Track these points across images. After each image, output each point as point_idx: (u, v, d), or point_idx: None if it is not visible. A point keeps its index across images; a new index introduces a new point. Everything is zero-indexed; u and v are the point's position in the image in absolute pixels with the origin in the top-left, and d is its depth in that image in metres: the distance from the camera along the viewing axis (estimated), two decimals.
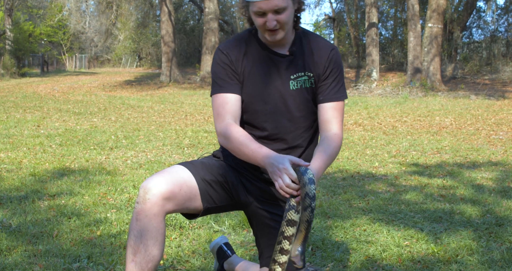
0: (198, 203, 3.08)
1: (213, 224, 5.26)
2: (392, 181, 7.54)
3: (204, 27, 32.41)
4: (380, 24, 38.96)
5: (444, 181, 7.50)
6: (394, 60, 39.39)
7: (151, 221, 2.92)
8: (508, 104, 20.66)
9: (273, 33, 3.00)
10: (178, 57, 37.53)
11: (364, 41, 35.67)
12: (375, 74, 28.70)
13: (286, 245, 2.82)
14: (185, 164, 3.12)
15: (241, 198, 3.24)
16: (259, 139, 3.15)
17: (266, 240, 3.27)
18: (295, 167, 2.74)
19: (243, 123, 3.21)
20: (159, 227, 2.95)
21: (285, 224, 2.79)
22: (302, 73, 3.14)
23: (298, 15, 3.10)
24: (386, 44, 41.74)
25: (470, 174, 8.02)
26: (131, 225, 2.95)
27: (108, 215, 5.51)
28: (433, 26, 26.35)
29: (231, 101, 3.09)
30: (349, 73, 35.73)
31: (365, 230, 5.18)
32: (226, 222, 5.32)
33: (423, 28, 28.19)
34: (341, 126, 3.18)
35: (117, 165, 8.38)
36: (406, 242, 4.80)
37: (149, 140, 11.39)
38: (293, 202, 2.76)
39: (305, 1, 3.09)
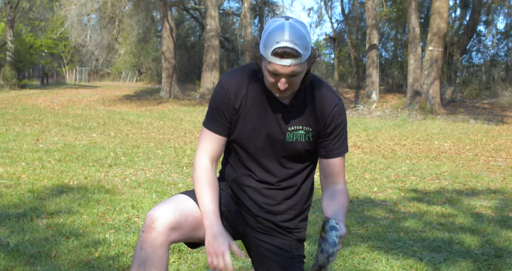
0: (202, 233, 3.07)
1: None
2: (391, 207, 7.52)
3: (205, 44, 32.49)
4: (380, 45, 39.09)
5: (443, 208, 7.49)
6: (394, 81, 39.45)
7: (156, 250, 2.90)
8: (507, 130, 20.67)
9: (282, 92, 2.93)
10: (178, 73, 37.62)
11: (364, 62, 35.75)
12: (374, 96, 28.74)
13: None
14: (189, 193, 3.11)
15: (240, 228, 3.23)
16: (253, 173, 3.17)
17: (264, 269, 3.26)
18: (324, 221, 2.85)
19: (234, 160, 3.22)
20: (163, 256, 2.93)
21: None
22: (300, 127, 3.07)
23: (310, 68, 2.98)
24: (386, 66, 41.84)
25: (469, 202, 8.01)
26: (135, 254, 2.93)
27: (106, 235, 5.49)
28: (434, 50, 26.43)
29: (215, 141, 3.11)
30: (349, 94, 35.77)
31: (364, 258, 5.16)
32: None
33: (423, 50, 28.28)
34: (345, 178, 3.19)
35: (116, 183, 8.37)
36: None
37: (148, 157, 11.37)
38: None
39: (317, 57, 2.97)
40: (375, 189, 8.86)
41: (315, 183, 3.40)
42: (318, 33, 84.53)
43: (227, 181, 3.25)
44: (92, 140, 14.06)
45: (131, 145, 13.39)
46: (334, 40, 45.49)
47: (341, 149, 3.12)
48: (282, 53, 2.76)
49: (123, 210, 6.65)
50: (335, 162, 3.12)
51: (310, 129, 3.08)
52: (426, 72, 26.75)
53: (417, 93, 26.63)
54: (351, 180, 9.65)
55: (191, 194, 3.11)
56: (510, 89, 32.47)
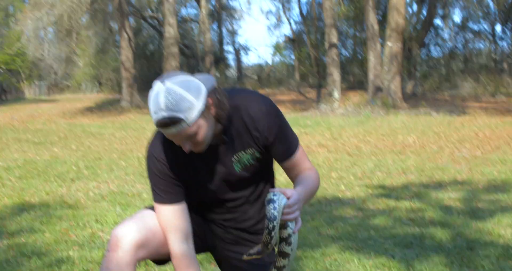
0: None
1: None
2: (360, 205, 7.45)
3: (165, 52, 32.26)
4: (340, 44, 39.19)
5: (411, 203, 7.43)
6: (355, 79, 39.61)
7: (122, 270, 2.76)
8: (469, 120, 20.79)
9: (194, 149, 2.76)
10: (139, 82, 37.29)
11: (325, 61, 35.81)
12: (336, 94, 28.74)
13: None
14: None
15: (208, 240, 3.12)
16: (215, 210, 3.10)
17: None
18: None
19: (196, 206, 3.10)
20: None
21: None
22: (243, 153, 2.92)
23: (217, 113, 2.76)
24: (347, 64, 41.95)
25: (437, 195, 7.97)
26: None
27: (70, 253, 5.33)
28: (393, 45, 26.51)
29: (178, 213, 2.92)
30: (310, 93, 35.81)
31: (335, 260, 5.06)
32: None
33: (382, 46, 28.37)
34: (309, 162, 3.06)
35: (79, 197, 8.18)
36: None
37: (111, 169, 11.18)
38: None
39: (218, 101, 2.74)
40: (342, 187, 8.79)
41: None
42: (278, 35, 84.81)
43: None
44: (53, 154, 13.81)
45: (93, 157, 13.17)
46: (294, 41, 45.58)
47: (292, 145, 2.98)
48: (163, 124, 2.60)
49: (87, 225, 6.48)
50: (294, 159, 2.99)
51: (254, 150, 2.93)
52: (386, 68, 26.83)
53: (378, 89, 26.71)
54: None
55: None
56: (470, 80, 32.75)
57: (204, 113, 2.65)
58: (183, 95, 2.58)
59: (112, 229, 2.80)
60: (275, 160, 3.02)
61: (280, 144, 2.93)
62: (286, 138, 2.95)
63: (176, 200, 2.92)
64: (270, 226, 2.60)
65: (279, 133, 2.91)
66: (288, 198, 2.65)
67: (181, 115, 2.57)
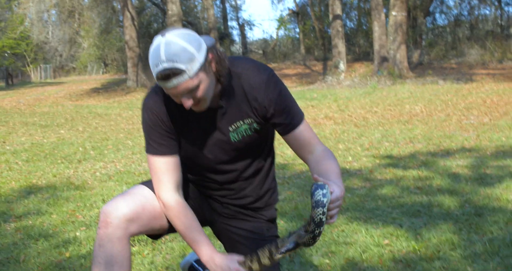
0: (163, 222, 2.90)
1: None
2: (367, 176, 7.42)
3: None
4: (344, 15, 38.93)
5: (419, 172, 7.39)
6: (360, 50, 39.41)
7: (115, 245, 2.73)
8: (476, 88, 20.66)
9: (195, 107, 2.69)
10: (144, 62, 37.16)
11: (329, 33, 35.60)
12: (342, 66, 28.61)
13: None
14: (146, 183, 2.94)
15: (206, 215, 3.08)
16: (209, 183, 3.03)
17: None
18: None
19: (188, 170, 3.04)
20: (124, 251, 2.77)
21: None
22: (241, 123, 2.84)
23: (218, 69, 2.70)
24: (352, 35, 41.72)
25: (445, 163, 7.93)
26: (95, 252, 2.76)
27: (77, 233, 5.32)
28: (397, 15, 26.32)
29: (170, 165, 2.86)
30: (316, 66, 35.65)
31: (343, 231, 5.04)
32: None
33: (387, 16, 28.15)
34: (319, 140, 2.91)
35: (86, 178, 8.17)
36: (386, 241, 4.67)
37: (118, 149, 11.17)
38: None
39: (219, 56, 2.69)
40: (350, 158, 8.76)
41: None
42: (281, 9, 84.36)
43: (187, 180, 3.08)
44: (60, 136, 13.81)
45: (100, 138, 13.17)
46: (298, 14, 45.30)
47: (296, 118, 2.86)
48: (164, 77, 2.52)
49: (94, 205, 6.47)
50: (299, 132, 2.85)
51: (252, 121, 2.84)
52: (391, 37, 26.66)
53: (384, 59, 26.55)
54: None
55: (149, 183, 2.94)
56: (476, 47, 32.50)
57: (205, 68, 2.59)
58: (184, 46, 2.52)
59: (101, 207, 2.77)
60: (278, 133, 2.91)
61: (281, 116, 2.83)
62: (288, 110, 2.84)
63: (168, 153, 2.85)
64: (317, 231, 2.45)
65: (280, 104, 2.82)
66: (330, 192, 2.48)
67: (182, 66, 2.51)
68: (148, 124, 2.86)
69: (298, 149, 2.88)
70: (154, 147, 2.85)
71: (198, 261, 3.76)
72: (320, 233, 2.45)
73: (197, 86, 2.59)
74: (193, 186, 3.07)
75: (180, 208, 2.86)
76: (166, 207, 2.86)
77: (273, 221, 3.17)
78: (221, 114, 2.83)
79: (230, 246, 3.15)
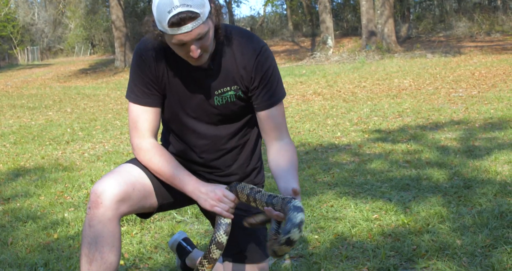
0: (153, 200, 2.88)
1: (175, 215, 5.07)
2: (356, 150, 7.40)
3: None
4: None
5: (408, 146, 7.39)
6: (348, 25, 39.32)
7: (105, 226, 2.70)
8: (464, 60, 20.66)
9: (198, 59, 2.67)
10: (132, 41, 36.97)
11: (317, 9, 35.44)
12: (330, 41, 28.53)
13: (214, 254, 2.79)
14: (133, 161, 2.91)
15: None
16: (189, 149, 3.00)
17: None
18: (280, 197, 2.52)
19: (170, 136, 3.04)
20: (114, 231, 2.74)
21: (213, 246, 2.78)
22: (228, 88, 2.83)
23: (218, 22, 2.71)
24: (339, 10, 41.63)
25: (434, 136, 7.92)
26: (84, 232, 2.73)
27: (65, 215, 5.29)
28: None
29: (149, 115, 2.85)
30: (305, 42, 35.57)
31: (332, 206, 5.02)
32: (188, 211, 5.13)
33: None
34: (287, 130, 2.95)
35: (74, 159, 8.13)
36: (375, 215, 4.66)
37: (106, 129, 11.12)
38: (224, 219, 2.73)
39: (220, 8, 2.73)
40: (338, 134, 8.74)
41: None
42: None
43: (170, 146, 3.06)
44: (48, 118, 13.73)
45: (88, 118, 13.10)
46: None
47: (276, 97, 2.87)
48: (178, 21, 2.49)
49: (82, 186, 6.44)
50: (272, 113, 2.87)
51: (238, 87, 2.84)
52: (379, 11, 26.59)
53: (372, 33, 26.49)
54: (313, 127, 9.51)
55: (137, 161, 2.91)
56: (464, 20, 32.45)
57: (211, 16, 2.60)
58: None
59: (92, 186, 2.74)
60: (254, 106, 2.88)
61: (264, 90, 2.83)
62: (270, 87, 2.85)
63: (149, 104, 2.84)
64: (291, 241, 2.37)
65: (266, 79, 2.83)
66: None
67: (197, 10, 2.50)
68: (135, 69, 2.85)
69: (267, 130, 2.89)
70: (136, 95, 2.85)
71: (186, 240, 3.75)
72: (294, 243, 2.39)
73: (207, 33, 2.59)
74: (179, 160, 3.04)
75: (154, 149, 2.85)
76: (138, 151, 2.86)
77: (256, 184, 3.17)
78: (209, 76, 2.82)
79: (212, 218, 3.14)
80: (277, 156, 2.85)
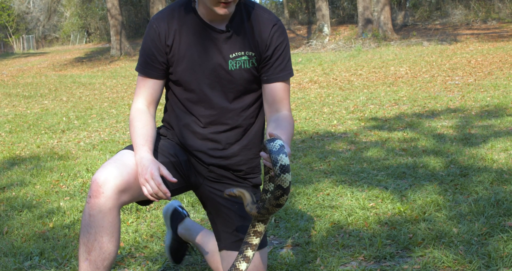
0: None
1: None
2: (352, 139, 7.39)
3: None
4: None
5: (404, 134, 7.37)
6: (345, 13, 39.22)
7: (106, 216, 2.69)
8: (461, 48, 20.64)
9: (228, 5, 2.72)
10: (127, 30, 36.95)
11: None
12: (326, 29, 28.48)
13: (259, 227, 2.68)
14: (131, 147, 2.89)
15: (192, 178, 3.04)
16: (194, 120, 3.00)
17: (222, 220, 3.08)
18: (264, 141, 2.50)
19: (176, 105, 3.03)
20: (114, 221, 2.72)
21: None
22: (242, 53, 2.88)
23: None
24: None
25: (430, 124, 7.91)
26: (84, 221, 2.71)
27: (61, 204, 5.27)
28: None
29: (149, 86, 2.95)
30: (301, 30, 35.48)
31: (328, 194, 5.02)
32: (184, 199, 5.12)
33: None
34: (289, 106, 2.99)
35: (70, 148, 8.11)
36: (371, 203, 4.66)
37: (102, 118, 11.09)
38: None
39: None
40: (335, 122, 8.72)
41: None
42: None
43: (172, 128, 3.06)
44: (44, 107, 13.69)
45: (84, 107, 13.07)
46: None
47: (285, 72, 2.94)
48: None
49: (78, 175, 6.42)
50: (279, 86, 2.94)
51: (253, 54, 2.90)
52: None
53: (368, 21, 26.44)
54: (310, 115, 9.50)
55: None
56: (460, 7, 32.41)
57: None
58: None
59: (93, 174, 2.72)
60: (263, 78, 2.94)
61: (276, 61, 2.91)
62: (284, 59, 2.93)
63: (153, 75, 2.94)
64: (284, 198, 2.41)
65: (280, 49, 2.92)
66: None
67: None
68: (145, 39, 2.96)
69: (272, 102, 2.95)
70: (144, 67, 2.95)
71: (182, 207, 3.73)
72: (286, 199, 2.43)
73: None
74: (178, 133, 3.04)
75: (137, 113, 2.93)
76: (130, 114, 2.97)
77: (257, 186, 3.17)
78: (225, 39, 2.88)
79: (215, 212, 3.12)
80: (274, 124, 2.87)
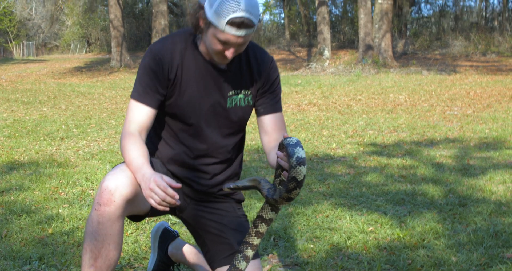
0: (148, 203, 2.90)
1: (170, 216, 5.06)
2: (351, 163, 7.42)
3: (153, 10, 31.90)
4: (329, 1, 38.89)
5: (403, 161, 7.41)
6: (345, 38, 39.40)
7: (114, 224, 2.71)
8: (460, 79, 20.76)
9: (227, 59, 2.83)
10: (128, 42, 37.03)
11: (315, 20, 35.53)
12: (327, 53, 28.60)
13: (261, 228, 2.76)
14: None
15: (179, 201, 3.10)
16: (185, 151, 3.05)
17: (212, 237, 3.17)
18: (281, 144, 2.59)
19: (168, 136, 3.07)
20: (120, 230, 2.76)
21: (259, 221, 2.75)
22: (239, 91, 2.99)
23: None
24: (337, 22, 41.73)
25: (429, 152, 7.95)
26: (91, 228, 2.72)
27: (60, 210, 5.27)
28: (383, 2, 26.33)
29: (145, 113, 2.91)
30: (301, 52, 35.62)
31: (327, 216, 5.04)
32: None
33: (373, 4, 28.15)
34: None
35: (69, 156, 8.11)
36: (370, 228, 4.68)
37: (101, 128, 11.11)
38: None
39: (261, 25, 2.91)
40: (334, 145, 8.76)
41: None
42: None
43: (160, 158, 3.10)
44: (42, 114, 13.70)
45: (83, 116, 13.08)
46: None
47: (280, 104, 3.11)
48: (239, 24, 2.64)
49: (77, 183, 6.43)
50: (277, 116, 3.08)
51: (249, 92, 3.02)
52: (377, 25, 26.68)
53: (369, 47, 26.57)
54: (309, 137, 9.53)
55: None
56: (461, 38, 32.61)
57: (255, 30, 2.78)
58: (257, 3, 2.72)
59: (102, 181, 2.72)
60: (260, 112, 3.06)
61: (271, 95, 3.05)
62: (278, 93, 3.09)
63: (149, 103, 2.90)
64: (296, 191, 2.48)
65: (275, 85, 3.06)
66: None
67: (255, 21, 2.68)
68: (145, 67, 2.92)
69: (268, 132, 3.06)
70: (139, 93, 2.91)
71: (169, 226, 3.76)
72: (298, 193, 2.50)
73: (248, 41, 2.78)
74: (168, 165, 3.09)
75: (128, 138, 2.86)
76: (121, 139, 2.90)
77: (240, 202, 3.27)
78: (225, 77, 2.96)
79: (204, 230, 3.18)
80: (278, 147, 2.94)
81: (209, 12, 2.68)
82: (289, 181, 2.45)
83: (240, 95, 2.99)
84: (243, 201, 3.27)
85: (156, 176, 2.60)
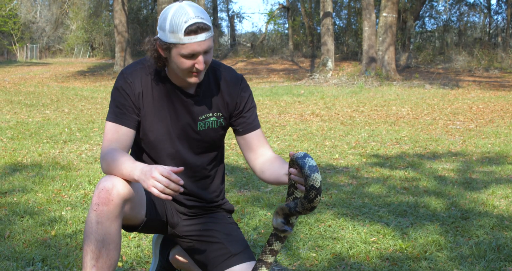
0: (143, 212, 2.99)
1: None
2: (354, 173, 7.43)
3: (158, 17, 31.99)
4: (334, 13, 38.99)
5: (406, 173, 7.42)
6: (349, 49, 39.50)
7: (113, 223, 2.74)
8: (462, 94, 20.79)
9: (199, 74, 2.88)
10: (132, 47, 37.06)
11: (319, 31, 35.62)
12: (330, 64, 28.65)
13: (276, 246, 2.80)
14: None
15: (168, 217, 3.18)
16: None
17: (205, 245, 3.20)
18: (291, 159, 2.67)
19: (149, 160, 3.11)
20: (118, 229, 2.79)
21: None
22: (210, 114, 3.06)
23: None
24: (341, 34, 41.85)
25: (431, 165, 7.96)
26: (90, 229, 2.74)
27: (63, 213, 5.29)
28: (388, 16, 26.39)
29: (123, 133, 2.93)
30: (304, 63, 35.70)
31: (330, 226, 5.04)
32: None
33: (377, 17, 28.22)
34: (271, 149, 3.19)
35: (71, 159, 8.12)
36: (373, 238, 4.68)
37: (103, 132, 11.10)
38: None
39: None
40: (336, 155, 8.76)
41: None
42: (272, 3, 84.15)
43: None
44: (45, 116, 13.71)
45: (86, 120, 13.09)
46: (288, 9, 45.29)
47: (257, 121, 3.17)
48: (196, 29, 2.74)
49: (80, 186, 6.44)
50: (257, 133, 3.14)
51: (221, 114, 3.08)
52: (380, 38, 26.73)
53: (372, 60, 26.61)
54: (312, 147, 9.54)
55: None
56: (464, 53, 32.69)
57: (212, 36, 2.87)
58: (203, 9, 2.83)
59: (98, 184, 2.73)
60: (239, 132, 3.12)
61: (247, 114, 3.11)
62: (253, 111, 3.14)
63: (127, 124, 2.93)
64: (318, 198, 2.56)
65: (249, 104, 3.12)
66: None
67: (208, 23, 2.79)
68: (119, 91, 2.96)
69: (252, 149, 3.14)
70: (115, 115, 2.94)
71: None
72: (320, 201, 2.55)
73: (212, 48, 2.84)
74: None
75: (108, 150, 2.87)
76: (101, 156, 2.89)
77: (231, 212, 3.34)
78: (195, 102, 3.02)
79: (196, 240, 3.22)
80: (269, 161, 3.07)
81: (164, 36, 2.78)
82: (308, 191, 2.50)
83: (213, 118, 3.06)
84: (233, 211, 3.35)
85: (157, 165, 2.64)
